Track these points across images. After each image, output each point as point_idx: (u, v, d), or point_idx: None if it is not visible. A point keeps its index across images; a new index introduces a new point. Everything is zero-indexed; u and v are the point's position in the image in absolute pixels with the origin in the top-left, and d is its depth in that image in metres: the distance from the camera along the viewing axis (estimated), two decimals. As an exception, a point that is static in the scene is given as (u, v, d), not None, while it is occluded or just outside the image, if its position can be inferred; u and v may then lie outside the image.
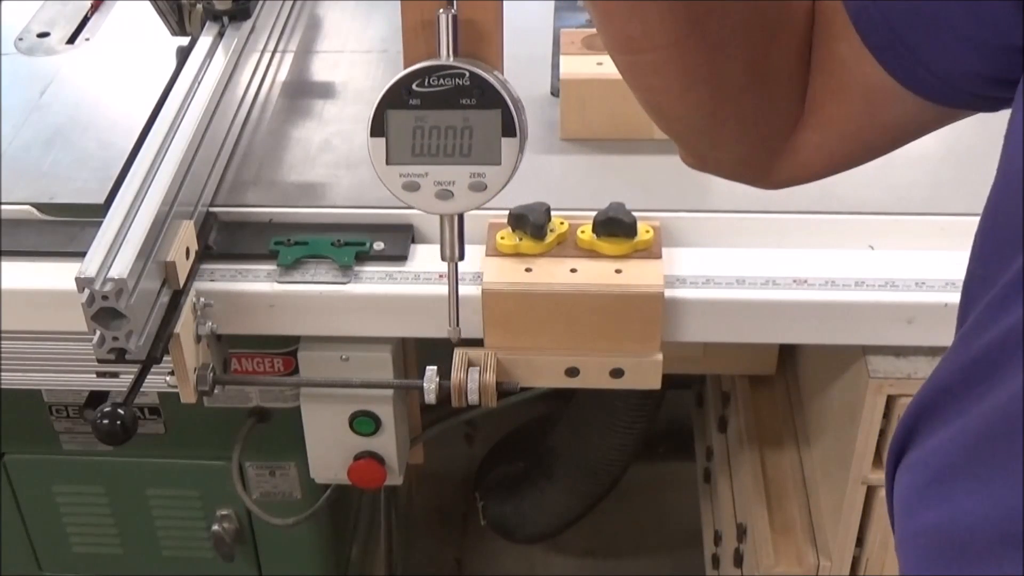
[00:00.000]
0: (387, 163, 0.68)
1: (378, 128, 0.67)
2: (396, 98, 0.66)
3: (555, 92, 1.15)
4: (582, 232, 0.96)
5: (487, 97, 0.66)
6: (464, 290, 0.94)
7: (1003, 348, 0.42)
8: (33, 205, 1.01)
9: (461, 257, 0.75)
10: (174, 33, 1.15)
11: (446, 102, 0.66)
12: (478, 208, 0.71)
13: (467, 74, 0.65)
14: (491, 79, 0.65)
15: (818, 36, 0.57)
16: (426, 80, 0.65)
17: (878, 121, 0.56)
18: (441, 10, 0.64)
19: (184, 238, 0.93)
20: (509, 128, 0.67)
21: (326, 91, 1.20)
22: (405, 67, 0.66)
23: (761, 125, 0.58)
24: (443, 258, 0.75)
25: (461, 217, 0.73)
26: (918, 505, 0.46)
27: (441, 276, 0.95)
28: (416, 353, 1.10)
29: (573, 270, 0.95)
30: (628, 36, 0.52)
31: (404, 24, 0.65)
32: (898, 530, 0.48)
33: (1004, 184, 0.44)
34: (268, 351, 1.04)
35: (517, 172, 0.71)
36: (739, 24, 0.53)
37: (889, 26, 0.52)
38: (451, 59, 0.65)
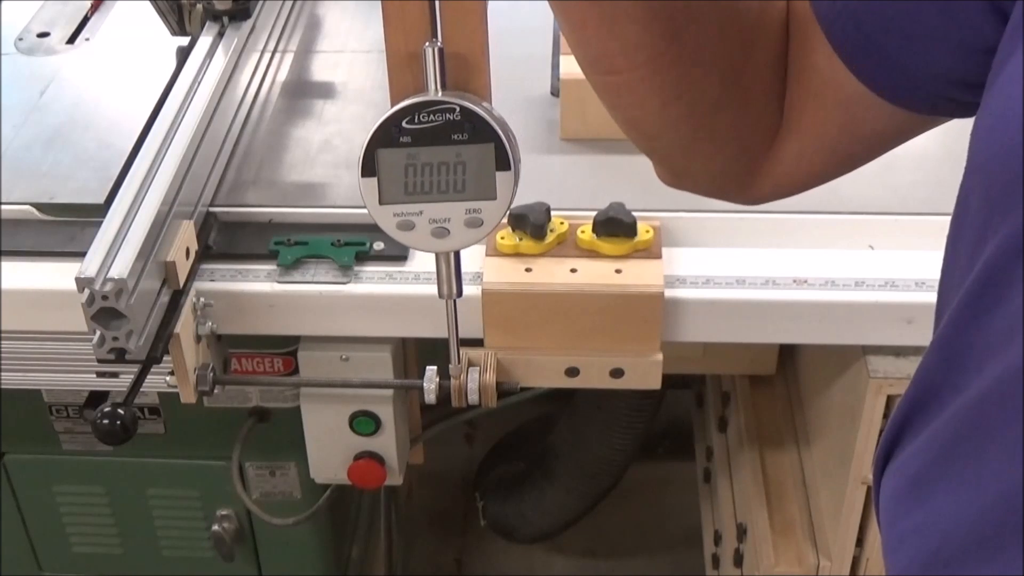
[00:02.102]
0: (380, 203, 0.66)
1: (369, 168, 0.65)
2: (386, 136, 0.64)
3: (555, 92, 1.15)
4: (582, 232, 0.96)
5: (479, 131, 0.64)
6: (464, 290, 0.94)
7: (970, 352, 0.42)
8: (33, 205, 1.01)
9: (459, 294, 0.74)
10: (174, 33, 1.15)
11: (437, 138, 0.64)
12: (475, 244, 0.70)
13: (458, 109, 0.63)
14: (482, 113, 0.64)
15: (793, 47, 0.57)
16: (416, 116, 0.64)
17: (854, 130, 0.56)
18: (427, 44, 0.62)
19: (184, 238, 0.93)
20: (503, 162, 0.65)
21: (326, 91, 1.20)
22: (392, 101, 0.64)
23: (738, 140, 0.58)
24: (440, 295, 0.74)
25: (458, 253, 0.72)
26: (900, 510, 0.46)
27: (441, 276, 0.95)
28: (416, 353, 1.10)
29: (573, 270, 0.95)
30: (605, 55, 0.52)
31: (388, 56, 0.63)
32: (884, 537, 0.48)
33: (964, 186, 0.45)
34: (268, 351, 1.04)
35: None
36: (715, 39, 0.53)
37: (861, 33, 0.51)
38: (439, 94, 0.63)
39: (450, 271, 0.73)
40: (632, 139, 0.59)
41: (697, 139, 0.57)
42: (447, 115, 0.64)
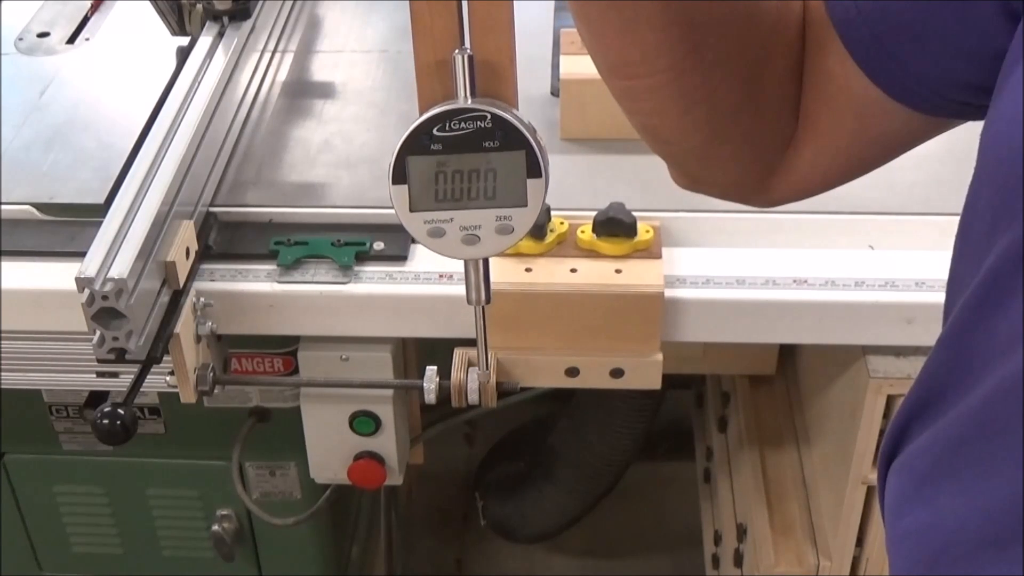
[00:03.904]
0: (410, 210, 0.66)
1: (399, 175, 0.64)
2: (416, 144, 0.64)
3: (555, 92, 1.15)
4: (582, 232, 0.96)
5: (510, 139, 0.64)
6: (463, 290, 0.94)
7: (976, 352, 0.42)
8: (33, 205, 1.01)
9: (487, 300, 0.74)
10: (174, 33, 1.15)
11: (468, 145, 0.64)
12: (505, 252, 0.70)
13: (489, 116, 0.63)
14: (514, 120, 0.64)
15: (808, 53, 0.57)
16: (447, 124, 0.63)
17: (869, 134, 0.56)
18: (457, 51, 0.62)
19: (184, 238, 0.93)
20: (534, 169, 0.65)
21: (326, 91, 1.20)
22: (420, 108, 0.64)
23: (755, 144, 0.58)
24: (469, 302, 0.74)
25: (487, 260, 0.72)
26: (904, 508, 0.46)
27: (441, 276, 0.95)
28: (416, 353, 1.10)
29: (573, 270, 0.95)
30: (626, 61, 0.52)
31: (417, 63, 0.63)
32: (887, 532, 0.49)
33: (974, 187, 0.45)
34: (268, 351, 1.04)
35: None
36: (734, 45, 0.53)
37: (875, 38, 0.52)
38: (469, 101, 0.63)
39: (479, 278, 0.72)
40: (649, 144, 0.59)
41: (714, 144, 0.57)
42: (478, 123, 0.63)
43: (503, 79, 0.64)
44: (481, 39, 0.63)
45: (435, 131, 0.63)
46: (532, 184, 0.66)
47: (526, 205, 0.66)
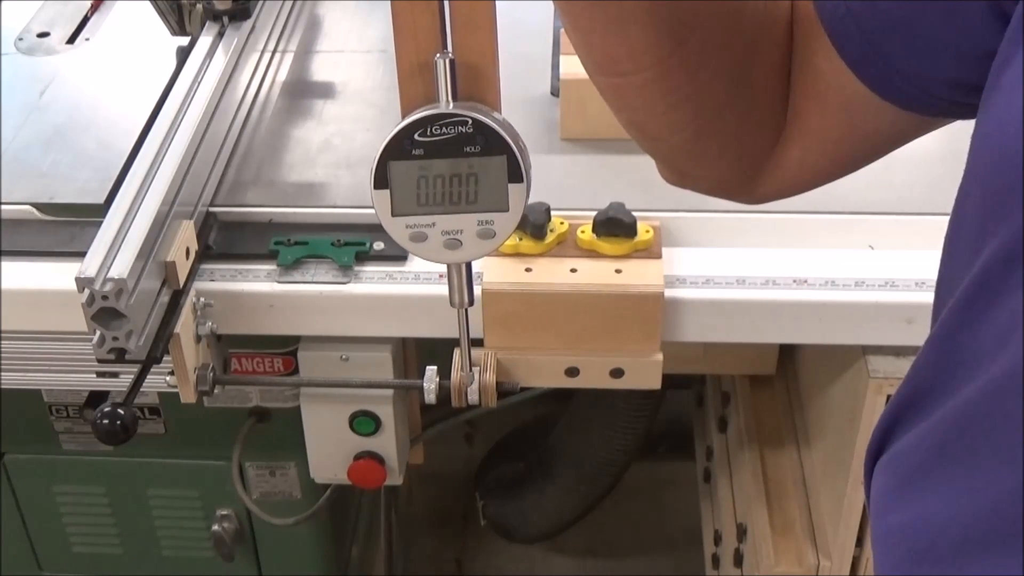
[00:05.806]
0: (392, 215, 0.66)
1: (381, 180, 0.65)
2: (398, 149, 0.64)
3: (555, 92, 1.15)
4: (582, 232, 0.96)
5: (491, 143, 0.64)
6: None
7: (964, 353, 0.42)
8: (33, 205, 1.01)
9: (471, 303, 0.75)
10: (174, 33, 1.15)
11: (450, 150, 0.64)
12: (487, 255, 0.70)
13: (470, 121, 0.64)
14: (494, 125, 0.64)
15: (797, 51, 0.57)
16: (428, 129, 0.64)
17: (858, 132, 0.56)
18: (438, 55, 0.62)
19: (184, 238, 0.93)
20: (515, 174, 0.66)
21: (326, 91, 1.20)
22: (403, 111, 0.64)
23: (743, 141, 0.58)
24: (452, 304, 0.74)
25: (469, 263, 0.72)
26: (889, 505, 0.47)
27: (441, 276, 0.95)
28: (416, 353, 1.10)
29: (573, 270, 0.95)
30: (612, 58, 0.52)
31: (399, 66, 0.63)
32: (872, 529, 0.49)
33: (963, 189, 0.45)
34: (268, 351, 1.04)
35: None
36: (721, 42, 0.53)
37: (864, 37, 0.52)
38: (451, 106, 0.63)
39: (461, 281, 0.73)
40: (636, 140, 0.59)
41: (702, 141, 0.57)
42: (459, 127, 0.64)
43: (486, 82, 0.65)
44: (463, 41, 0.63)
45: (416, 136, 0.64)
46: (514, 189, 0.66)
47: (507, 210, 0.67)
